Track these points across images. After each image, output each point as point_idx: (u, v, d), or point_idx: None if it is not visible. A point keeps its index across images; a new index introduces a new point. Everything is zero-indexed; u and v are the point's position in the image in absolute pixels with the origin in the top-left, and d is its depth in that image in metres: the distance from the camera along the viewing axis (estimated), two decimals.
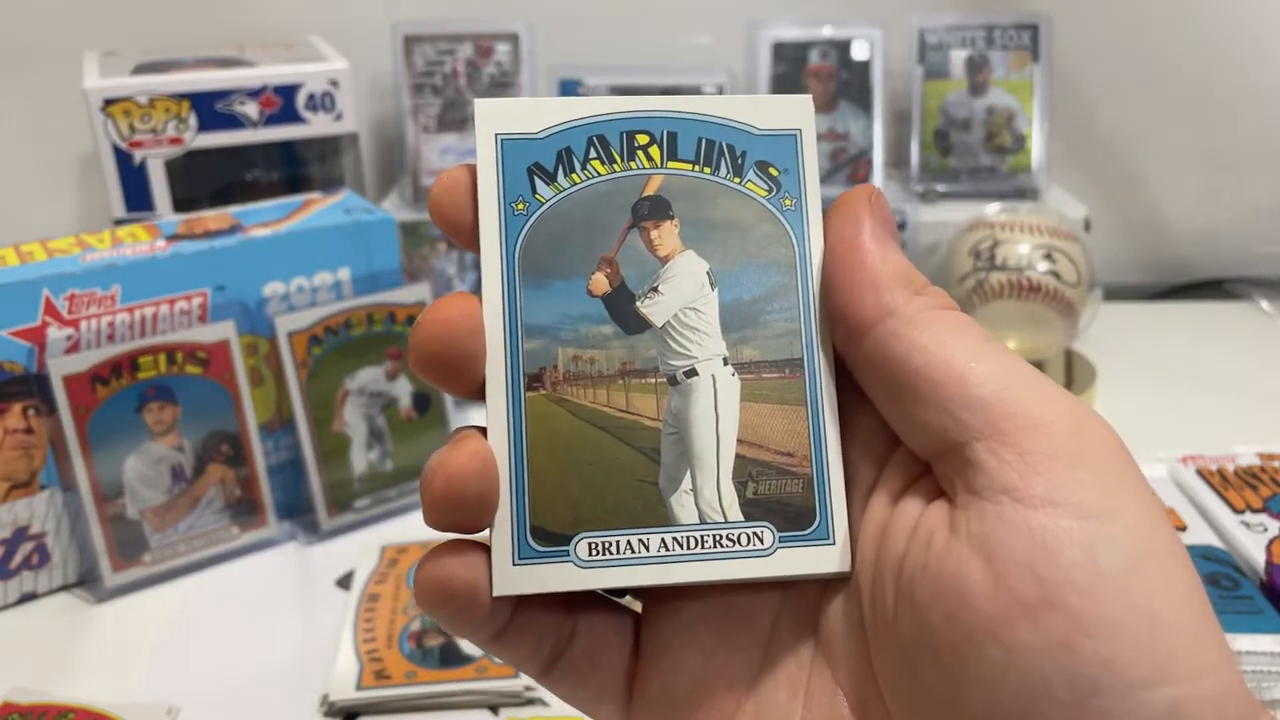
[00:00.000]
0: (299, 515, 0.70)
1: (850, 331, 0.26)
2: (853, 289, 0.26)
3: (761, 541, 0.26)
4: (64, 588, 0.65)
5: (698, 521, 0.26)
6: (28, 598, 0.64)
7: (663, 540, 0.26)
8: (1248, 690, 0.21)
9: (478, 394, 0.26)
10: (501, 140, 0.27)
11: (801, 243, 0.28)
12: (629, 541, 0.26)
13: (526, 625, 0.26)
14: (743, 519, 0.26)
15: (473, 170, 0.27)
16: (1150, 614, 0.21)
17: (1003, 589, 0.21)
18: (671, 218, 0.27)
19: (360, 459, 0.70)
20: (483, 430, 0.26)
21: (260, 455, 0.67)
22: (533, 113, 0.27)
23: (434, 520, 0.25)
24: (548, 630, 0.27)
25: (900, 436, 0.25)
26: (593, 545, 0.26)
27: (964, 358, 0.24)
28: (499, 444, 0.26)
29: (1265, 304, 0.99)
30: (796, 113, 0.28)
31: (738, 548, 0.26)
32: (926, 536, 0.24)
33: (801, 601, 0.27)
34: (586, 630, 0.27)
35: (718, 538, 0.26)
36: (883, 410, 0.26)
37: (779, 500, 0.26)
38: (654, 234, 0.27)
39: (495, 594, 0.25)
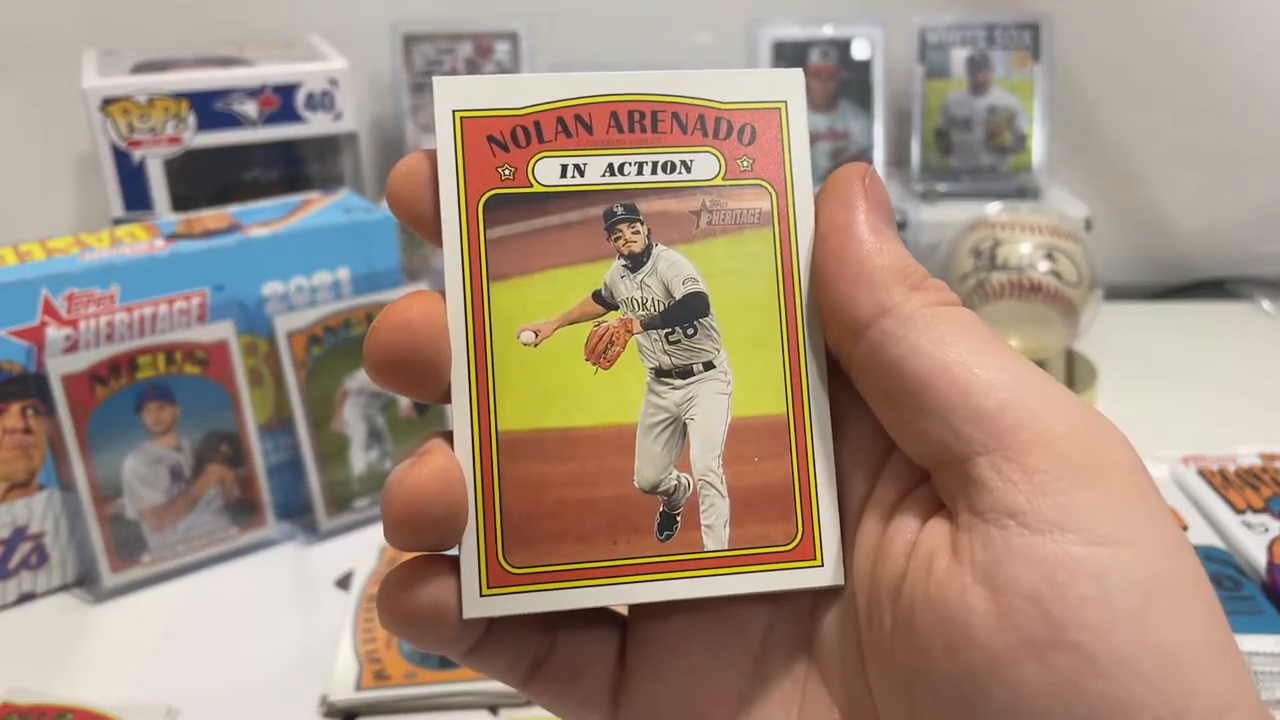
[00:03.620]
0: (298, 515, 0.69)
1: (843, 331, 0.24)
2: (845, 284, 0.24)
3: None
4: (63, 588, 0.64)
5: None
6: (26, 598, 0.63)
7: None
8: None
9: (445, 399, 0.24)
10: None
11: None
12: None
13: (503, 639, 0.25)
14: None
15: (432, 156, 0.25)
16: (1166, 651, 0.19)
17: (1009, 626, 0.20)
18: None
19: (359, 459, 0.70)
20: (451, 437, 0.24)
21: (259, 455, 0.67)
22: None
23: (396, 542, 0.23)
24: (526, 643, 0.25)
25: (898, 443, 0.24)
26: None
27: (966, 361, 0.22)
28: (466, 457, 0.24)
29: (1266, 304, 0.99)
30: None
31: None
32: (926, 559, 0.22)
33: (794, 614, 0.26)
34: (568, 641, 0.26)
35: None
36: (879, 415, 0.24)
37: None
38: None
39: (465, 617, 0.24)
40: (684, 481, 0.25)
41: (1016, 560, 0.20)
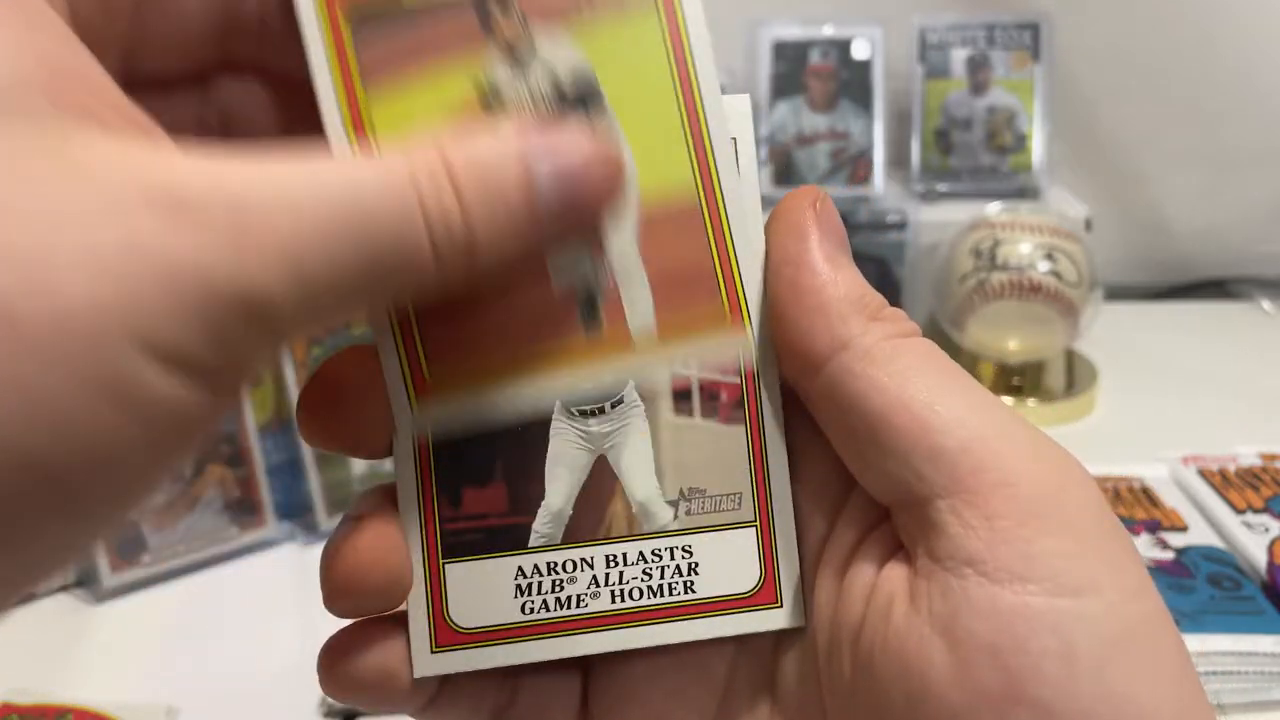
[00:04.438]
0: (298, 515, 0.69)
1: (801, 366, 0.23)
2: (801, 317, 0.23)
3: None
4: (63, 588, 0.64)
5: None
6: (26, 598, 0.63)
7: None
8: None
9: (388, 454, 0.24)
10: None
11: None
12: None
13: (458, 694, 0.24)
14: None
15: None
16: (1129, 702, 0.19)
17: (967, 679, 0.19)
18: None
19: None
20: (393, 491, 0.24)
21: (259, 455, 0.67)
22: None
23: (337, 611, 0.23)
24: (484, 695, 0.24)
25: (858, 479, 0.23)
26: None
27: (927, 398, 0.21)
28: (411, 513, 0.23)
29: (1266, 304, 0.99)
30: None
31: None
32: (885, 604, 0.21)
33: (756, 656, 0.25)
34: (529, 690, 0.25)
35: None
36: (839, 451, 0.23)
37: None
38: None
39: (415, 676, 0.23)
40: None
41: (976, 612, 0.20)
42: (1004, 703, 0.19)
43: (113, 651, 0.59)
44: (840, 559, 0.24)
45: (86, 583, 0.64)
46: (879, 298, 0.23)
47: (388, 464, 0.24)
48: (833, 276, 0.23)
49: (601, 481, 0.24)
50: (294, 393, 0.67)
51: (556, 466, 0.24)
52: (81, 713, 0.53)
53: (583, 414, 0.24)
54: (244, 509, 0.67)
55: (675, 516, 0.24)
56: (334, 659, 0.23)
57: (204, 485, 0.66)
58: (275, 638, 0.59)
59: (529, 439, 0.24)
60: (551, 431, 0.24)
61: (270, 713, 0.54)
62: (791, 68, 0.93)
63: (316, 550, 0.73)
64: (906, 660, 0.20)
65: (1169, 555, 0.59)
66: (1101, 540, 0.20)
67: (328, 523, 0.68)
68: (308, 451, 0.67)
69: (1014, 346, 0.80)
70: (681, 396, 0.24)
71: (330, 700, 0.53)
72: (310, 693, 0.54)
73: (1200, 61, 0.94)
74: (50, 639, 0.60)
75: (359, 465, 0.69)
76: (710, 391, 0.24)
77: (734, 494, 0.24)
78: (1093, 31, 0.96)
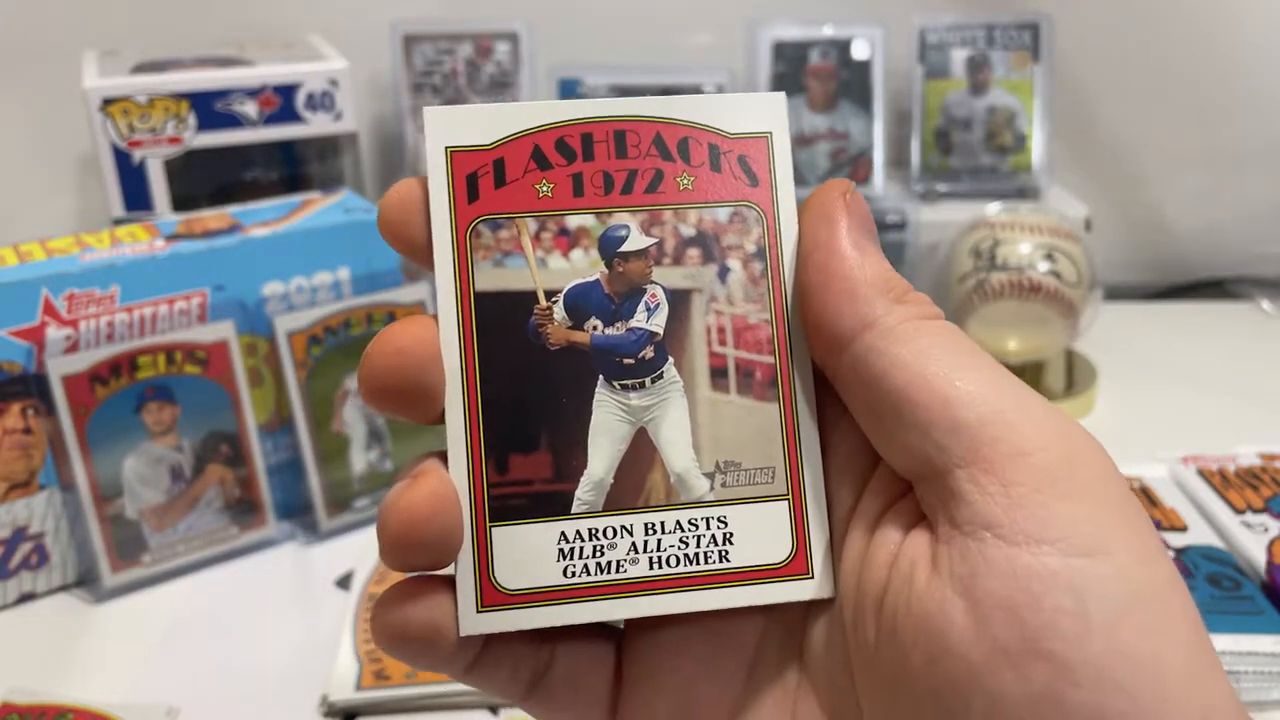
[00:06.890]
0: (298, 515, 0.69)
1: (828, 345, 0.24)
2: (829, 299, 0.24)
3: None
4: (63, 588, 0.64)
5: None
6: (27, 598, 0.63)
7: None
8: None
9: (440, 421, 0.25)
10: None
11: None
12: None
13: (500, 656, 0.25)
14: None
15: (424, 183, 0.25)
16: (1142, 659, 0.19)
17: (986, 636, 0.20)
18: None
19: (359, 459, 0.70)
20: (445, 455, 0.25)
21: (259, 455, 0.67)
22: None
23: (392, 563, 0.23)
24: (524, 659, 0.25)
25: (882, 455, 0.24)
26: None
27: (947, 374, 0.22)
28: (461, 478, 0.24)
29: (1266, 304, 0.99)
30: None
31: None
32: (908, 570, 0.22)
33: (786, 624, 0.26)
34: (566, 655, 0.26)
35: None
36: (863, 427, 0.24)
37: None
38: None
39: (462, 634, 0.24)
40: None
41: (993, 572, 0.21)
42: (1021, 658, 0.20)
43: (113, 651, 0.59)
44: (866, 529, 0.24)
45: (87, 582, 0.64)
46: (904, 282, 0.24)
47: (389, 464, 0.25)
48: (860, 261, 0.24)
49: (641, 452, 0.25)
50: (293, 391, 0.67)
51: (599, 437, 0.25)
52: (81, 713, 0.53)
53: (624, 387, 0.25)
54: (244, 509, 0.67)
55: (711, 488, 0.25)
56: (385, 611, 0.24)
57: (204, 485, 0.66)
58: (276, 638, 0.59)
59: (573, 410, 0.25)
60: (594, 403, 0.25)
61: (270, 712, 0.54)
62: (791, 68, 0.93)
63: (317, 550, 0.74)
64: (928, 621, 0.21)
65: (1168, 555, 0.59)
66: (1114, 506, 0.21)
67: (328, 523, 0.68)
68: (308, 451, 0.68)
69: (1014, 346, 0.80)
70: (718, 374, 0.26)
71: (330, 699, 0.53)
72: (310, 693, 0.54)
73: (1200, 61, 0.94)
74: (50, 639, 0.60)
75: (359, 465, 0.69)
76: (746, 369, 0.26)
77: (768, 468, 0.25)
78: (1093, 31, 0.96)
